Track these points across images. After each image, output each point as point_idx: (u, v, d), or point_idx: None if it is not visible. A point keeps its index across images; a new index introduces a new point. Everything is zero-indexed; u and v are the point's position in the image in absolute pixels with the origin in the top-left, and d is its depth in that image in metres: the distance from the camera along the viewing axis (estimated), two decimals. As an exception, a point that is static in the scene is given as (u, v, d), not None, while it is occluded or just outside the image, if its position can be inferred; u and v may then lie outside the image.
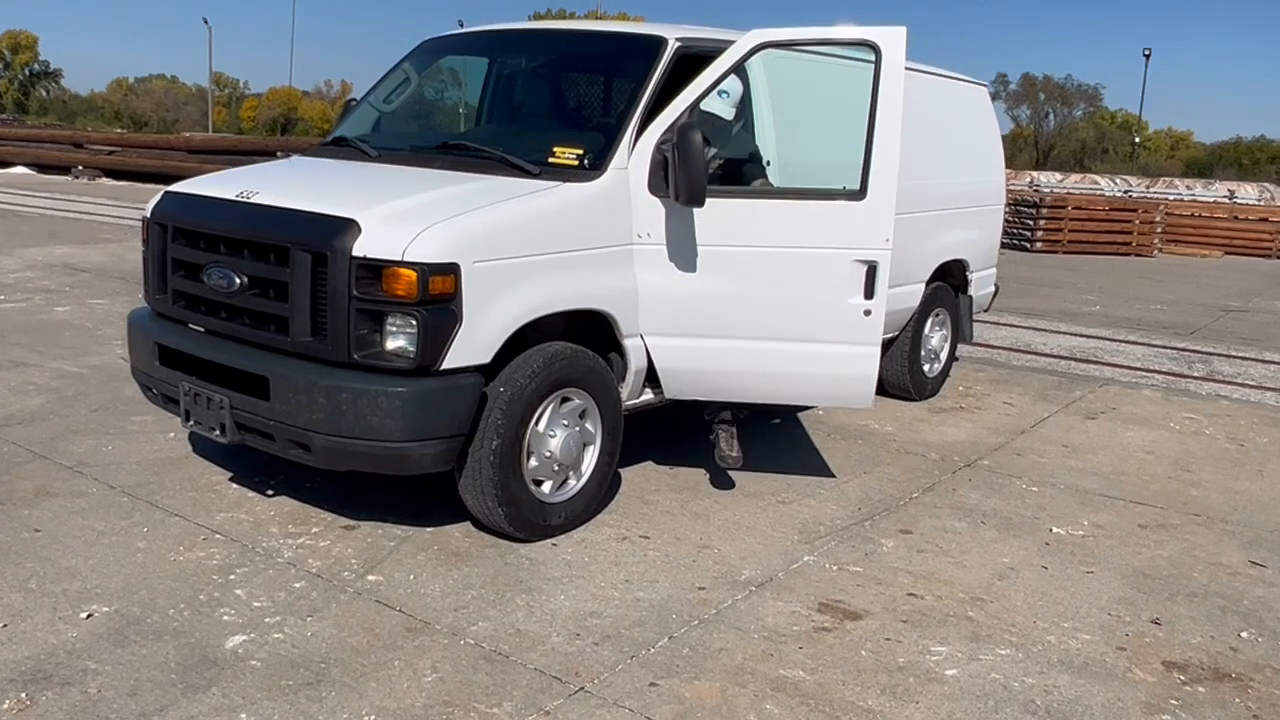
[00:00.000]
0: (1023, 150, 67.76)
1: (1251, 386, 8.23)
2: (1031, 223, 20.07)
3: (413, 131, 5.76)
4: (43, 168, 28.08)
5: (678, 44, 4.79)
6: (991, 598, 4.01)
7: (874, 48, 4.25)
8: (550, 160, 4.50)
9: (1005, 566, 4.31)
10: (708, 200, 4.45)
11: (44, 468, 4.79)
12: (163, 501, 4.45)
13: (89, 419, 5.56)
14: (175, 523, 4.24)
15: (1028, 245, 19.81)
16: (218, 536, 4.12)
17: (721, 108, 4.75)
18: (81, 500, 4.42)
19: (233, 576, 3.79)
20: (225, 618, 3.47)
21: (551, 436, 4.24)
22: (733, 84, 4.64)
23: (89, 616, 3.43)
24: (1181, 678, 3.50)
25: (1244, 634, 3.82)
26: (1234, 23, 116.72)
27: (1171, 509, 5.15)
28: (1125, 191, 29.74)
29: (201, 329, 4.39)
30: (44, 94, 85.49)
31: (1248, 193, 29.09)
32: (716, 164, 4.90)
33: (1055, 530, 4.75)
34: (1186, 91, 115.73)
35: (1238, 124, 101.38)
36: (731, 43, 4.57)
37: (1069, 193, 26.38)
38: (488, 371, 4.03)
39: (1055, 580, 4.20)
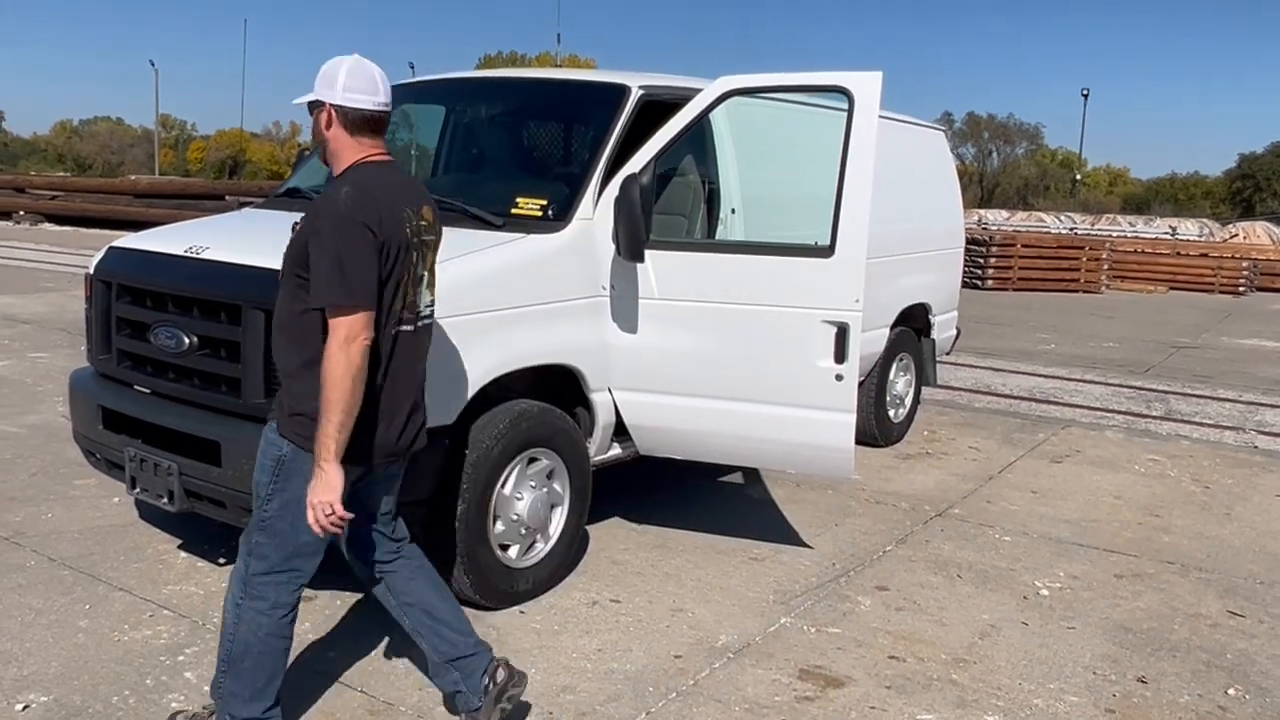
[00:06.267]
0: (968, 188, 68.90)
1: (1209, 425, 8.28)
2: (982, 260, 20.33)
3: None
4: (-19, 212, 27.45)
5: (641, 92, 4.71)
6: (974, 658, 3.90)
7: (847, 94, 4.09)
8: (513, 211, 4.38)
9: (986, 624, 4.21)
10: (672, 254, 4.36)
11: (-23, 539, 4.53)
12: (106, 574, 4.21)
13: (28, 484, 5.29)
14: (120, 598, 4.00)
15: (979, 283, 20.03)
16: (165, 612, 3.89)
17: None
18: (19, 575, 4.17)
19: (182, 657, 3.56)
20: (174, 704, 3.25)
21: (518, 499, 4.08)
22: None
23: (25, 708, 3.19)
24: (1173, 741, 3.40)
25: (1231, 691, 3.75)
26: (1168, 64, 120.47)
27: (1145, 557, 5.09)
28: (1071, 228, 30.31)
29: (148, 391, 4.18)
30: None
31: (1188, 229, 29.81)
32: (680, 217, 4.82)
33: (1032, 583, 4.66)
34: (1123, 129, 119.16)
35: (1172, 161, 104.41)
36: (696, 90, 4.49)
37: (1017, 230, 26.81)
38: (451, 432, 3.87)
39: (1037, 637, 4.11)
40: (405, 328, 2.86)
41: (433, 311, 3.04)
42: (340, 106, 2.80)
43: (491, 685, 3.05)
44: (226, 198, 25.42)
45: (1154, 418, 8.50)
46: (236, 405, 3.81)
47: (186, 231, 4.54)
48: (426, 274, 2.97)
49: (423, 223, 2.92)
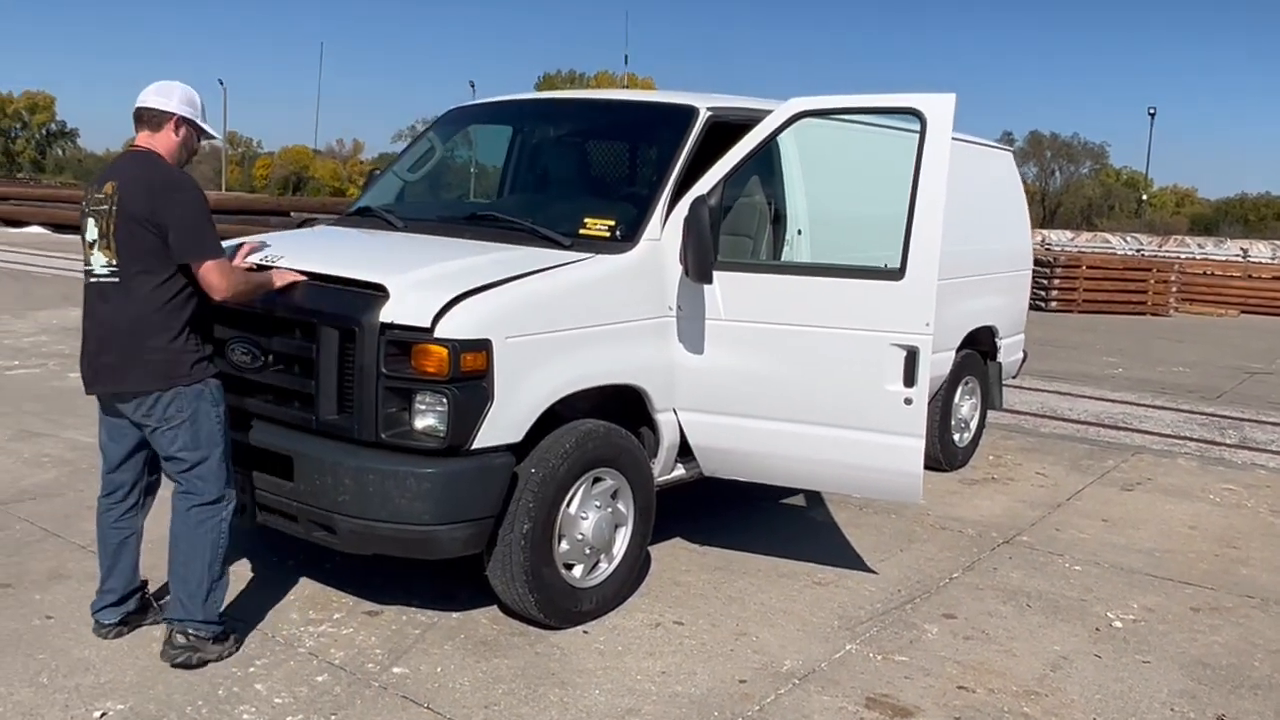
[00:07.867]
0: (1029, 207, 67.83)
1: (1287, 454, 8.04)
2: (1046, 282, 19.98)
3: (439, 202, 5.70)
4: (58, 227, 28.17)
5: (709, 113, 4.72)
6: (1046, 691, 3.81)
7: (919, 116, 4.07)
8: (581, 232, 4.40)
9: (1057, 655, 4.12)
10: (739, 275, 4.35)
11: (57, 547, 4.65)
12: (179, 584, 4.28)
13: (103, 493, 5.41)
14: (192, 608, 4.07)
15: (1043, 305, 19.69)
16: (236, 623, 3.94)
17: None
18: (95, 583, 4.25)
19: (252, 669, 3.61)
20: (245, 717, 3.30)
21: (583, 519, 4.08)
22: None
23: (103, 715, 3.26)
24: (1257, 783, 3.29)
25: (1316, 732, 3.62)
26: (1238, 81, 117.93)
27: (1222, 590, 4.95)
28: (1137, 250, 29.76)
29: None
30: (60, 153, 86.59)
31: (1261, 251, 29.10)
32: (746, 238, 4.81)
33: (1105, 614, 4.56)
34: (1191, 148, 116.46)
35: (1242, 180, 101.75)
36: (764, 111, 4.49)
37: (1082, 251, 26.39)
38: (518, 451, 3.89)
39: (1110, 671, 4.01)
40: (86, 281, 3.54)
41: (112, 273, 3.45)
42: None
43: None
44: (291, 214, 25.89)
45: (1228, 445, 8.28)
46: (310, 420, 3.87)
47: (260, 249, 4.62)
48: (99, 239, 3.45)
49: (98, 195, 3.44)
